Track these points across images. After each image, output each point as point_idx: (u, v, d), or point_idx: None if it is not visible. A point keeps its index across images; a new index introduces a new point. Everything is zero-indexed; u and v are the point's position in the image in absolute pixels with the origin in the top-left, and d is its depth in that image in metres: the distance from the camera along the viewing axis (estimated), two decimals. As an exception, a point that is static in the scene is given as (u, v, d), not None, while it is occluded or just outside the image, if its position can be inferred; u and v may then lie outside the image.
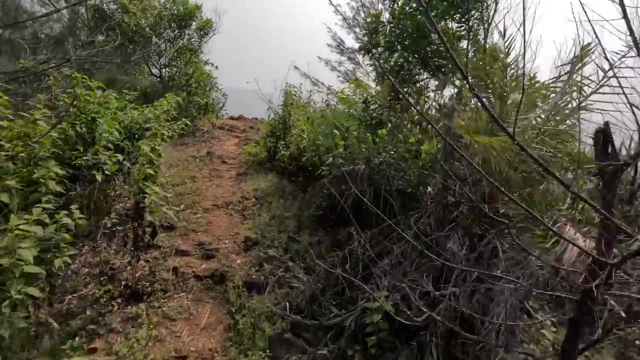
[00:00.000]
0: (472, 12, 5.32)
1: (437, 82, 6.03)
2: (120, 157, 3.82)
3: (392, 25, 5.56)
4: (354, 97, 6.74)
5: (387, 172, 3.07)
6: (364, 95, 7.19)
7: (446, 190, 2.99)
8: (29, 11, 10.00)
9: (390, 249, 3.08)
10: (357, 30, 14.60)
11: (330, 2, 14.73)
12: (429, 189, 3.19)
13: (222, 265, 3.89)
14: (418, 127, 3.41)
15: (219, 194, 6.08)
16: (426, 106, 5.43)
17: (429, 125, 3.39)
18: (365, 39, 13.97)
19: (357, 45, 16.38)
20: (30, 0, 9.70)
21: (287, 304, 3.23)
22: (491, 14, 5.47)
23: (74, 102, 3.17)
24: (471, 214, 2.88)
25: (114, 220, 3.78)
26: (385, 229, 3.24)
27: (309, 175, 5.24)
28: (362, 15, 14.78)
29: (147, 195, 2.96)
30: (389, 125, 5.91)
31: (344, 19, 14.69)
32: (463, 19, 5.44)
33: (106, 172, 3.30)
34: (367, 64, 14.96)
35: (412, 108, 5.24)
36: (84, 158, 3.13)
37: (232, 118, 14.51)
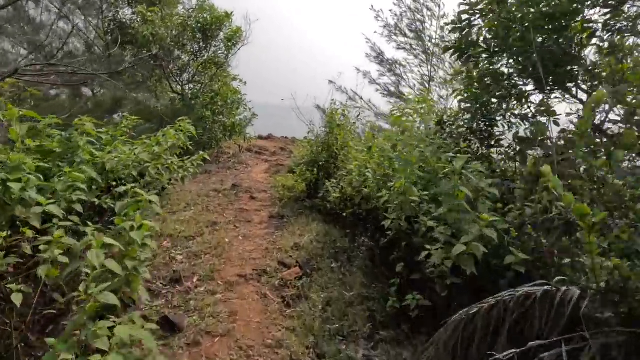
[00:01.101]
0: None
1: (547, 98, 4.16)
2: (89, 228, 2.22)
3: (496, 16, 3.79)
4: (415, 116, 4.94)
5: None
6: (439, 114, 5.40)
7: None
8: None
9: None
10: (400, 38, 12.94)
11: (372, 7, 13.22)
12: None
13: None
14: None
15: (248, 253, 4.40)
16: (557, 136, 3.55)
17: None
18: (414, 42, 12.11)
19: (398, 55, 14.53)
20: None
21: None
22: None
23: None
24: None
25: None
26: None
27: (389, 240, 3.45)
28: (406, 21, 13.15)
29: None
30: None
31: (386, 25, 13.12)
32: (614, 3, 3.60)
33: (42, 277, 1.69)
34: (412, 76, 13.02)
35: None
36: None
37: (260, 137, 13.13)
